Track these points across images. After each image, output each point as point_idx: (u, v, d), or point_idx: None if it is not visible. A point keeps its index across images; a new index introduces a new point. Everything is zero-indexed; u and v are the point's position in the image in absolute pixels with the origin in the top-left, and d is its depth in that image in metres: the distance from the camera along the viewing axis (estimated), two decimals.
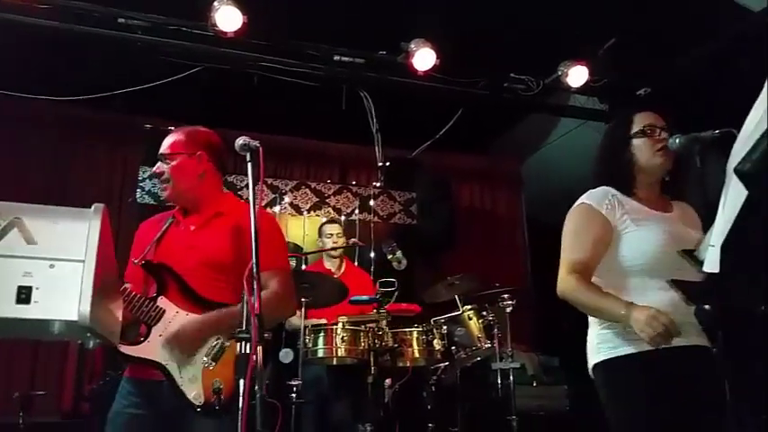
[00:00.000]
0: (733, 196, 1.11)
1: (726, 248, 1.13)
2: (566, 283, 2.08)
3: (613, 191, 2.17)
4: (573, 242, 2.13)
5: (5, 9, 4.10)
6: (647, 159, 2.16)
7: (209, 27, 4.36)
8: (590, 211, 2.14)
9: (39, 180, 5.17)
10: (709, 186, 2.01)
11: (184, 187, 2.34)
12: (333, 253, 4.63)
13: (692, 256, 1.47)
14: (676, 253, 1.74)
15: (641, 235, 2.08)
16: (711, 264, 1.17)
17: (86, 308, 1.16)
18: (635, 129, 2.18)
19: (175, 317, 2.18)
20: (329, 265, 4.67)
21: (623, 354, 2.01)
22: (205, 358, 2.12)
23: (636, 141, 2.17)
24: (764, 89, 1.10)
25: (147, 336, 2.16)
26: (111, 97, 4.89)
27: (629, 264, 2.07)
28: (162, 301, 2.20)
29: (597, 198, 2.16)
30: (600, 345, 2.09)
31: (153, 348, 2.14)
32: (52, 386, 4.58)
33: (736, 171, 1.08)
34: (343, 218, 5.56)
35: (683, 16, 4.47)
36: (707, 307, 1.89)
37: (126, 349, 2.13)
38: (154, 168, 2.37)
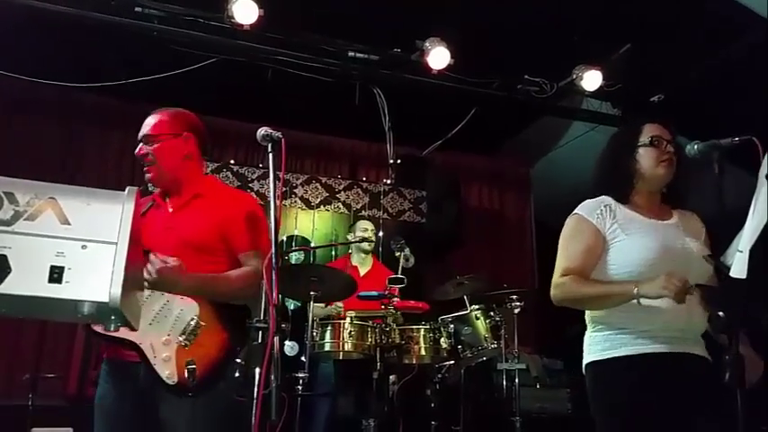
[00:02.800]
0: (763, 203, 1.11)
1: (753, 255, 1.14)
2: (560, 285, 2.12)
3: (608, 200, 2.20)
4: (565, 251, 2.17)
5: None
6: (650, 169, 2.19)
7: (225, 19, 4.37)
8: (581, 221, 2.18)
9: (50, 165, 5.18)
10: (727, 194, 2.02)
11: (169, 168, 2.29)
12: (362, 248, 4.66)
13: (719, 262, 1.47)
14: (702, 257, 1.74)
15: (630, 244, 2.10)
16: (739, 270, 1.17)
17: (117, 290, 1.17)
18: (642, 138, 2.21)
19: (150, 296, 2.11)
20: (356, 260, 4.70)
21: (611, 356, 2.05)
22: (180, 337, 2.07)
23: (641, 150, 2.20)
24: None
25: None
26: (124, 85, 4.91)
27: (617, 273, 2.10)
28: None
29: (589, 209, 2.19)
30: (590, 346, 2.14)
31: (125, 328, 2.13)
32: (58, 369, 4.60)
33: None
34: (352, 214, 5.57)
35: (699, 24, 4.47)
36: (721, 314, 1.91)
37: (100, 328, 2.04)
38: (136, 151, 2.31)
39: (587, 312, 2.21)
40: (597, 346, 2.11)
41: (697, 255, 2.09)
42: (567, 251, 2.16)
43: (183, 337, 2.07)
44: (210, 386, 2.08)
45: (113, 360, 2.17)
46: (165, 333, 2.07)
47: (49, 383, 4.24)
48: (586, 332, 2.19)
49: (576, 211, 2.22)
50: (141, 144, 2.31)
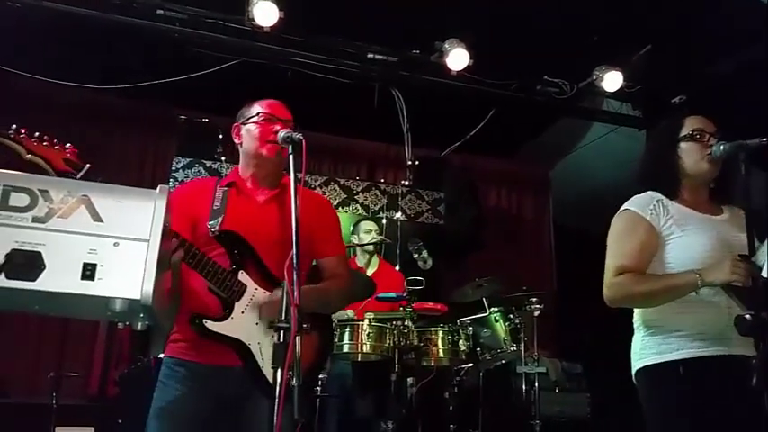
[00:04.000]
0: None
1: None
2: (615, 285, 2.04)
3: (658, 195, 2.14)
4: (618, 248, 2.10)
5: None
6: (694, 164, 2.13)
7: (245, 21, 4.40)
8: (634, 217, 2.11)
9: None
10: (754, 193, 1.99)
11: (286, 155, 2.06)
12: (367, 249, 4.66)
13: (751, 262, 1.45)
14: (735, 257, 1.72)
15: (688, 241, 2.05)
16: None
17: (149, 287, 1.18)
18: (684, 132, 2.16)
19: (255, 294, 2.05)
20: (362, 261, 4.70)
21: (666, 360, 2.00)
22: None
23: (684, 145, 2.15)
24: None
25: (231, 312, 2.02)
26: (146, 87, 4.96)
27: (679, 269, 2.03)
28: (243, 276, 2.05)
29: (641, 204, 2.13)
30: (643, 350, 2.08)
31: (237, 326, 2.01)
32: (80, 368, 4.65)
33: None
34: (371, 215, 5.57)
35: (719, 24, 4.42)
36: (748, 316, 1.88)
37: (213, 326, 1.98)
38: (282, 128, 2.13)
39: (637, 315, 2.16)
40: (651, 349, 2.05)
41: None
42: (621, 249, 2.09)
43: None
44: (308, 390, 2.03)
45: (192, 363, 2.04)
46: (272, 332, 1.89)
47: (71, 382, 4.29)
48: (636, 335, 2.14)
49: (626, 206, 2.16)
50: (280, 122, 2.18)
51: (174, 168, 5.20)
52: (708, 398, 1.92)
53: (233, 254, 2.06)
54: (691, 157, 2.13)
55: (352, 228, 4.94)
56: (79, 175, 1.67)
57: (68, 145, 1.73)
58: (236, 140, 2.31)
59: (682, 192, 2.15)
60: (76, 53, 4.77)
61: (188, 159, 5.25)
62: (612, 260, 2.09)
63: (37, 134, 1.69)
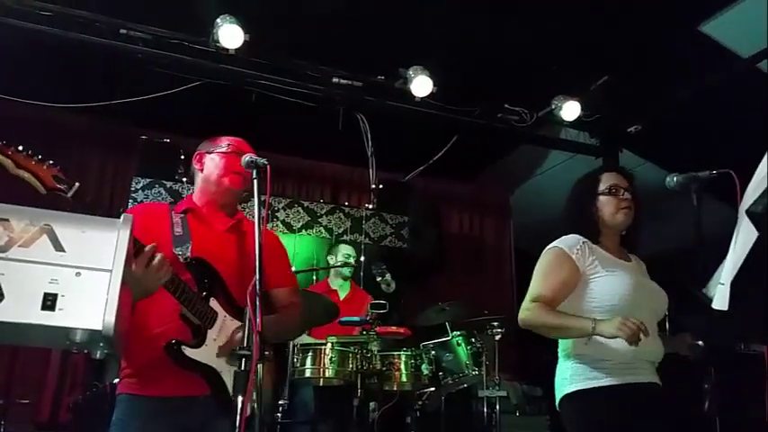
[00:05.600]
0: (744, 236, 1.16)
1: (735, 287, 1.18)
2: (528, 310, 2.20)
3: (584, 238, 2.31)
4: (542, 280, 2.26)
5: (7, 14, 4.10)
6: (610, 215, 2.32)
7: (210, 43, 4.39)
8: (561, 255, 2.27)
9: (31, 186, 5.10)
10: (704, 224, 2.08)
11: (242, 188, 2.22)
12: (343, 272, 4.67)
13: (702, 294, 1.51)
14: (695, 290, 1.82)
15: (613, 279, 2.23)
16: (721, 302, 1.21)
17: (111, 318, 1.17)
18: (601, 187, 2.36)
19: (225, 321, 2.05)
20: (336, 285, 4.69)
21: (593, 386, 2.13)
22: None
23: (602, 198, 2.35)
24: None
25: (204, 339, 2.00)
26: (106, 106, 4.89)
27: (599, 305, 2.20)
28: (213, 303, 2.06)
29: (569, 243, 2.29)
30: (573, 376, 2.19)
31: (211, 354, 2.00)
32: (30, 394, 4.47)
33: (749, 213, 1.13)
34: (334, 238, 5.57)
35: (672, 57, 4.61)
36: (700, 343, 1.97)
37: (190, 352, 1.95)
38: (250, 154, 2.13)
39: (562, 344, 2.29)
40: (580, 376, 2.17)
41: (657, 291, 2.30)
42: (544, 281, 2.26)
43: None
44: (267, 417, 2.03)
45: (153, 398, 2.00)
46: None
47: (20, 409, 4.13)
48: (563, 363, 2.26)
49: (555, 243, 2.32)
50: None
51: (133, 189, 5.11)
52: (626, 421, 2.08)
53: (202, 281, 2.06)
54: (607, 209, 2.34)
55: (328, 249, 4.99)
56: (69, 194, 1.64)
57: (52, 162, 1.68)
58: (197, 167, 2.34)
59: (601, 239, 2.35)
60: (37, 71, 4.69)
61: (148, 180, 5.15)
62: (534, 289, 2.26)
63: (26, 150, 1.66)
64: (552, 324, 2.17)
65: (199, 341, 1.99)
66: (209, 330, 2.01)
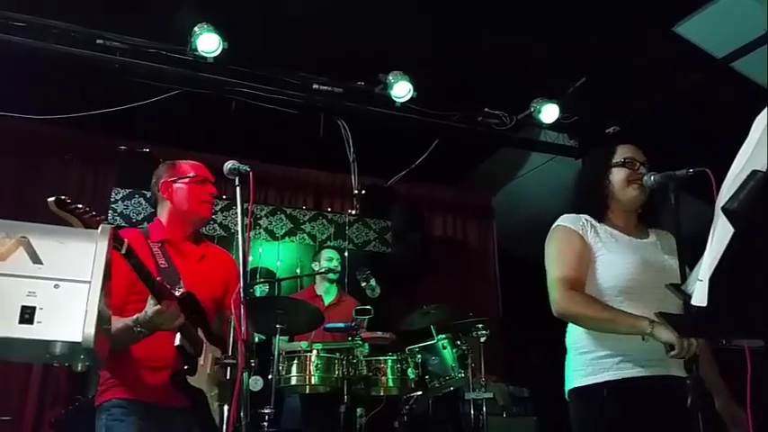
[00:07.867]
0: (720, 233, 1.17)
1: (713, 283, 1.20)
2: (566, 300, 2.07)
3: (586, 216, 2.24)
4: (559, 261, 2.16)
5: None
6: (622, 189, 2.23)
7: (188, 52, 4.37)
8: (567, 231, 2.20)
9: (7, 198, 5.04)
10: (682, 222, 2.10)
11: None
12: (328, 277, 4.66)
13: (680, 290, 1.53)
14: (665, 286, 1.79)
15: (612, 258, 2.14)
16: (699, 298, 1.22)
17: (91, 330, 1.15)
18: (616, 159, 2.26)
19: (206, 349, 2.22)
20: (321, 290, 4.68)
21: (592, 382, 2.07)
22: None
23: (614, 170, 2.25)
24: (751, 132, 1.17)
25: (196, 366, 2.18)
26: (86, 117, 4.83)
27: (605, 286, 2.12)
28: (200, 333, 2.22)
29: (572, 220, 2.23)
30: (575, 371, 2.14)
31: (201, 378, 2.18)
32: (10, 411, 4.39)
33: (724, 210, 1.15)
34: (317, 244, 5.55)
35: (647, 58, 4.68)
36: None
37: (192, 380, 2.14)
38: (211, 191, 2.40)
39: (568, 337, 2.22)
40: (580, 371, 2.12)
41: (675, 272, 2.03)
42: (560, 261, 2.15)
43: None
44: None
45: (141, 402, 2.14)
46: (215, 381, 2.19)
47: (1, 427, 4.05)
48: (568, 356, 2.20)
49: (558, 222, 2.25)
50: (210, 184, 2.41)
51: (113, 199, 5.05)
52: (635, 420, 1.99)
53: (192, 315, 2.17)
54: (620, 182, 2.23)
55: (313, 256, 4.99)
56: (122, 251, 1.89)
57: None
58: (164, 195, 2.41)
59: (609, 215, 2.26)
60: (13, 82, 4.62)
61: (128, 190, 5.10)
62: (557, 272, 2.14)
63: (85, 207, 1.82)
64: (600, 317, 2.02)
65: (193, 368, 2.16)
66: (198, 358, 2.19)
